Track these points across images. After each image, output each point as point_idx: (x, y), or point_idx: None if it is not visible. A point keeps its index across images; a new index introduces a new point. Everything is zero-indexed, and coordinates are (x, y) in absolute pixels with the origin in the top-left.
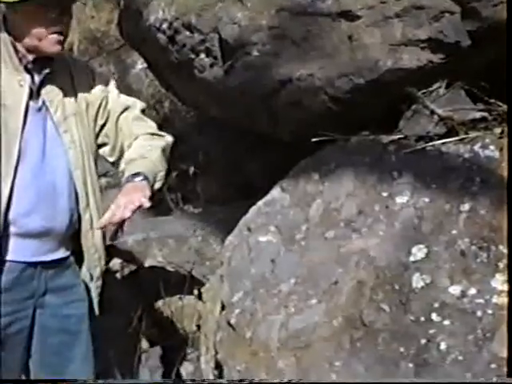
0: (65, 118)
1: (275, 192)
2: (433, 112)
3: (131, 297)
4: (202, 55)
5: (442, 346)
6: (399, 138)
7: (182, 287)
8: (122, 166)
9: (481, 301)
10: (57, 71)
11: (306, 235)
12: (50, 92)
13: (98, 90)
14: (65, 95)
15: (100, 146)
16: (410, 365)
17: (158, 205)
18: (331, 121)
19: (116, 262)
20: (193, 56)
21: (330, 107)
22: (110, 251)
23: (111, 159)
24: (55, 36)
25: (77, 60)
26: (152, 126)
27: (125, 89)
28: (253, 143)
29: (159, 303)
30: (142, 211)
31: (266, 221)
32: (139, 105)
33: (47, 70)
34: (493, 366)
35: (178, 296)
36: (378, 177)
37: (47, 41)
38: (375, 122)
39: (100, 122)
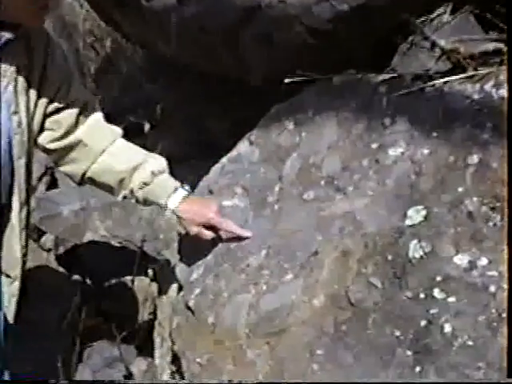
0: (15, 96)
1: (242, 146)
2: (434, 44)
3: (68, 280)
4: None
5: (447, 328)
6: (392, 78)
7: (131, 266)
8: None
9: (493, 273)
10: (16, 38)
11: (280, 197)
12: (4, 62)
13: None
14: (19, 68)
15: (41, 131)
16: (408, 352)
17: None
18: (309, 58)
19: (48, 239)
20: None
21: (307, 41)
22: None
23: (49, 146)
24: (41, 11)
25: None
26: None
27: (57, 24)
28: (216, 90)
29: (103, 287)
30: None
31: (232, 181)
32: (95, 98)
33: (9, 36)
34: None
35: (126, 277)
36: (367, 125)
37: (31, 12)
38: (363, 57)
39: (55, 105)
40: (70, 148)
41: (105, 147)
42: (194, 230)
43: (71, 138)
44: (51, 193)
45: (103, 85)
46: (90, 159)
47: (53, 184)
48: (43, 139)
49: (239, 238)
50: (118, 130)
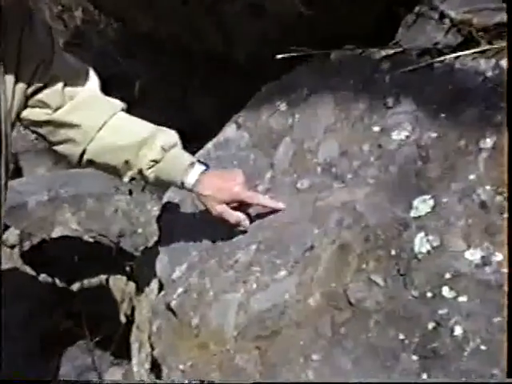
0: None
1: (229, 130)
2: (443, 15)
3: (34, 279)
4: None
5: (457, 331)
6: (396, 53)
7: (106, 264)
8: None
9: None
10: None
11: (271, 186)
12: None
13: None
14: None
15: (25, 108)
16: (414, 357)
17: None
18: (303, 32)
19: (12, 234)
20: None
21: (302, 13)
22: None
23: (35, 118)
24: None
25: None
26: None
27: None
28: (199, 68)
29: (75, 287)
30: (53, 162)
31: (218, 169)
32: (87, 68)
33: None
34: None
35: (100, 276)
36: (368, 105)
37: None
38: (363, 31)
39: (37, 84)
40: (61, 124)
41: (103, 122)
42: (217, 209)
43: (61, 115)
44: (15, 182)
45: None
46: (86, 137)
47: (17, 172)
48: (28, 113)
49: (271, 212)
50: (118, 103)
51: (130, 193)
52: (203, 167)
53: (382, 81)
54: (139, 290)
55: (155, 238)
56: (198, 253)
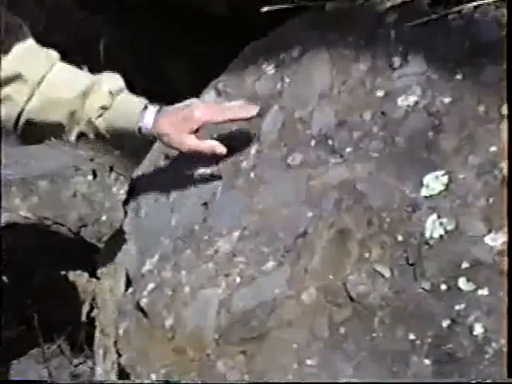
0: None
1: (208, 97)
2: None
3: None
4: None
5: (477, 329)
6: (404, 3)
7: (63, 258)
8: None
9: None
10: None
11: (257, 162)
12: None
13: None
14: None
15: None
16: (427, 361)
17: None
18: None
19: None
20: None
21: None
22: None
23: None
24: None
25: None
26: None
27: None
28: (173, 24)
29: (26, 285)
30: None
31: None
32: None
33: None
34: None
35: (57, 272)
36: (370, 66)
37: None
38: None
39: None
40: None
41: (42, 75)
42: (185, 142)
43: None
44: None
45: (22, 16)
46: (25, 93)
47: None
48: None
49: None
50: (55, 53)
51: (94, 174)
52: (157, 106)
53: (386, 36)
54: (103, 287)
55: (122, 226)
56: (171, 241)
